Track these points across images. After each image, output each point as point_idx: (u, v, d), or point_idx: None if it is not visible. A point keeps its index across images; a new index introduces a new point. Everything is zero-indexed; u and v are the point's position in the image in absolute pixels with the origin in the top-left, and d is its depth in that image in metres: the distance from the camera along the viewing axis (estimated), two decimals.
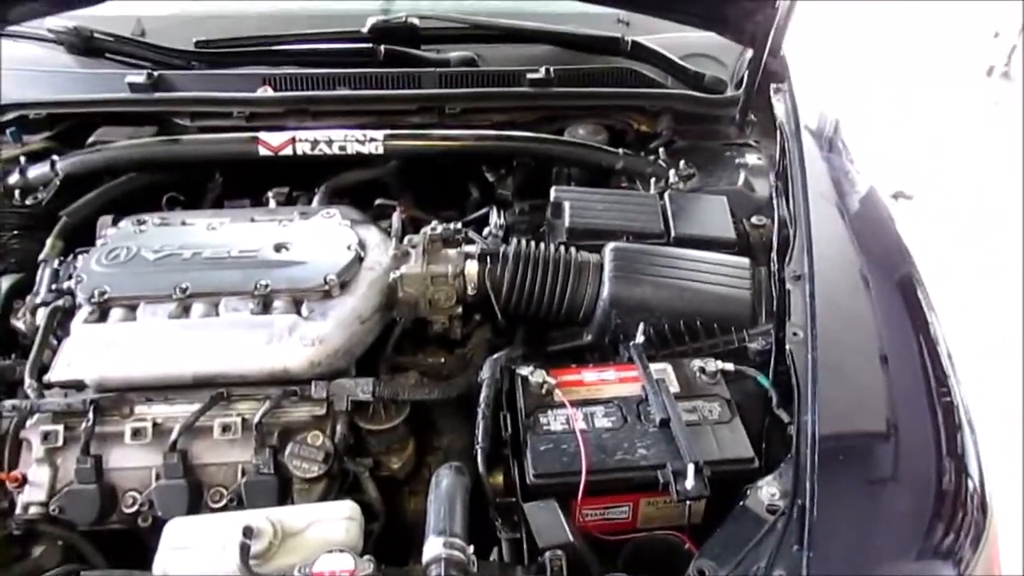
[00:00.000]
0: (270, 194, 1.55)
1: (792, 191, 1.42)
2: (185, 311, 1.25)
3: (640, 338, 1.28)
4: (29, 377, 1.20)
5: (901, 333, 1.35)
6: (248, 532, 0.97)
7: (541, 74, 1.70)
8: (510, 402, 1.22)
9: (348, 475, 1.23)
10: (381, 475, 1.27)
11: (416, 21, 1.79)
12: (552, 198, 1.49)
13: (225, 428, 1.17)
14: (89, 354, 1.20)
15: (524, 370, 1.23)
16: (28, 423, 1.18)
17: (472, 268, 1.33)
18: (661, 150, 1.66)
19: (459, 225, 1.40)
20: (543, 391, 1.21)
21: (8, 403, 1.17)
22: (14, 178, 1.56)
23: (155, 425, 1.17)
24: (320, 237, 1.36)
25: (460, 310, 1.36)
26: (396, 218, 1.44)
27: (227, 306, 1.25)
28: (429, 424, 1.31)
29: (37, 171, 1.56)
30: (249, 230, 1.39)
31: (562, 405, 1.19)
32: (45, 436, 1.16)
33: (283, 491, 1.17)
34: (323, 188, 1.56)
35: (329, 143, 1.53)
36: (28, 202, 1.53)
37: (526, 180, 1.65)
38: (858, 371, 1.25)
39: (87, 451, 1.15)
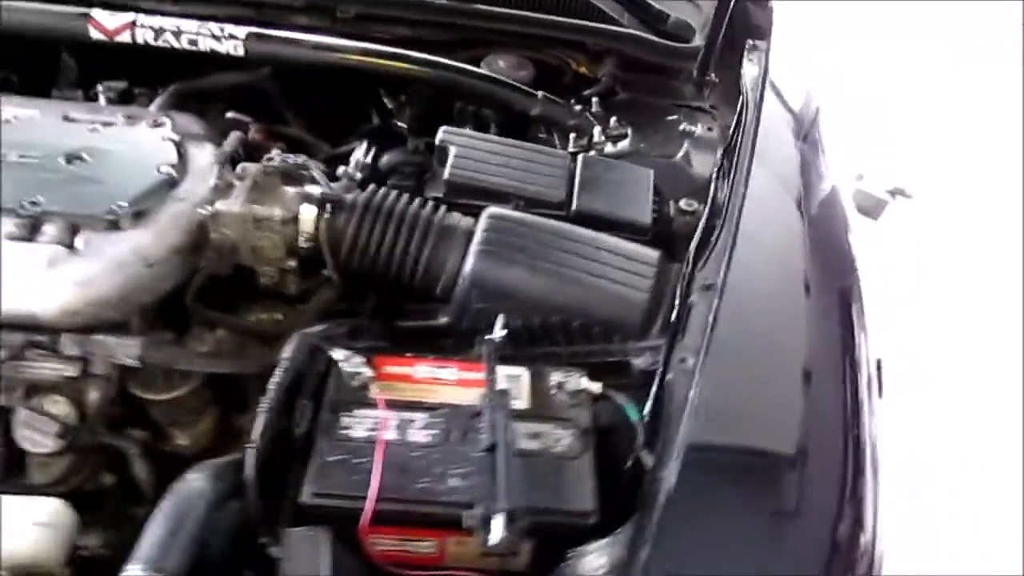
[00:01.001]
0: (100, 87, 1.27)
1: (734, 176, 1.14)
2: None
3: (500, 332, 1.02)
4: None
5: (823, 358, 1.09)
6: None
7: None
8: (319, 391, 0.98)
9: (112, 448, 1.00)
10: (165, 450, 1.05)
11: None
12: (438, 140, 1.21)
13: None
14: None
15: (338, 353, 0.98)
16: None
17: (308, 214, 1.07)
18: (595, 100, 1.36)
19: (301, 158, 1.12)
20: (356, 383, 0.97)
21: None
22: None
23: None
24: (129, 151, 1.10)
25: (293, 263, 1.10)
26: (231, 139, 1.16)
27: None
28: (238, 397, 1.08)
29: None
30: (53, 129, 1.12)
31: (374, 405, 0.95)
32: None
33: (14, 463, 0.94)
34: (170, 90, 1.28)
35: (177, 34, 1.25)
36: None
37: (427, 113, 1.37)
38: (759, 412, 1.00)
39: None
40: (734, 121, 1.29)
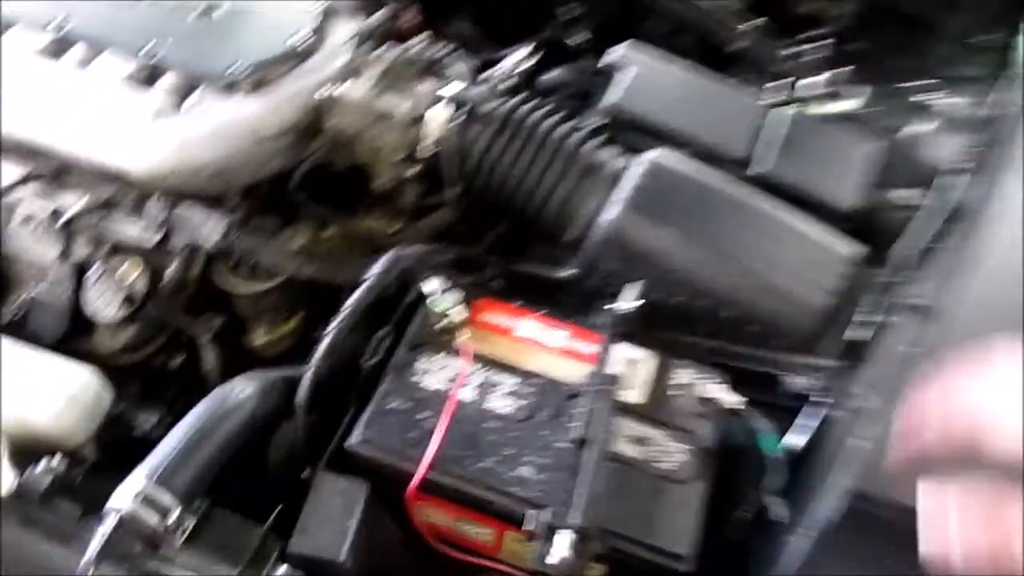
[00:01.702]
0: None
1: (994, 174, 0.85)
2: (57, 52, 0.93)
3: (628, 304, 0.83)
4: None
5: None
6: None
7: None
8: (402, 323, 0.84)
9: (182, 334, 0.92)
10: (243, 346, 0.96)
11: None
12: (612, 57, 1.00)
13: (28, 218, 0.87)
14: None
15: (432, 284, 0.82)
16: None
17: (437, 116, 0.91)
18: (822, 45, 1.08)
19: (448, 50, 0.96)
20: (443, 324, 0.81)
21: None
22: None
23: None
24: (270, 14, 0.98)
25: (413, 170, 0.95)
26: (377, 16, 1.01)
27: (105, 63, 0.92)
28: (331, 305, 0.96)
29: None
30: None
31: (458, 354, 0.80)
32: None
33: (81, 323, 0.88)
34: None
35: None
36: None
37: (607, 30, 1.15)
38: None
39: None
40: (1001, 100, 0.98)
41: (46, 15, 0.94)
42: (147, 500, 0.63)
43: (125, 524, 0.61)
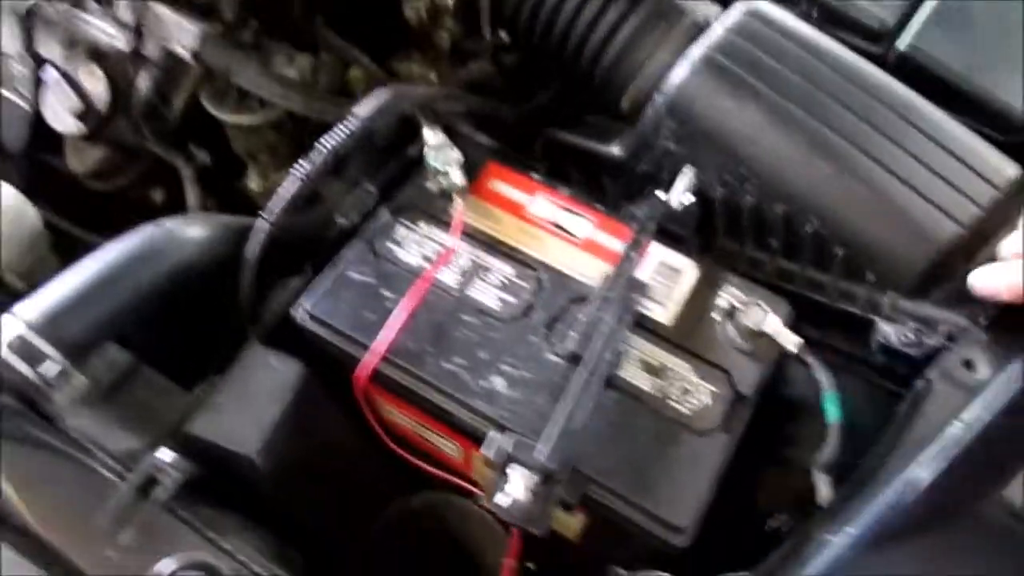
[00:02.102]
0: None
1: None
2: None
3: (680, 195, 0.63)
4: None
5: None
6: None
7: None
8: (393, 181, 0.67)
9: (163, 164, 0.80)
10: (236, 190, 0.83)
11: None
12: None
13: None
14: None
15: (433, 137, 0.65)
16: None
17: None
18: None
19: None
20: (438, 187, 0.64)
21: None
22: None
23: None
24: None
25: (449, 3, 0.77)
26: None
27: None
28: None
29: None
30: None
31: (446, 227, 0.63)
32: None
33: (46, 133, 0.77)
34: None
35: None
36: None
37: None
38: None
39: None
40: None
41: None
42: (21, 346, 0.51)
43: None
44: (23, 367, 0.51)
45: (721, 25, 0.65)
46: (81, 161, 0.78)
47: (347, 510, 0.65)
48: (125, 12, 0.71)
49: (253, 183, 0.83)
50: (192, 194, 0.80)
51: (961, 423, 0.48)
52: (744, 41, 0.64)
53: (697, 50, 0.64)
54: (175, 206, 0.83)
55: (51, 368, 0.52)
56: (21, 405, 0.52)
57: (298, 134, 0.80)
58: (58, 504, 0.51)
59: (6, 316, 0.52)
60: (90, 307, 0.55)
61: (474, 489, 0.63)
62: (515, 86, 0.82)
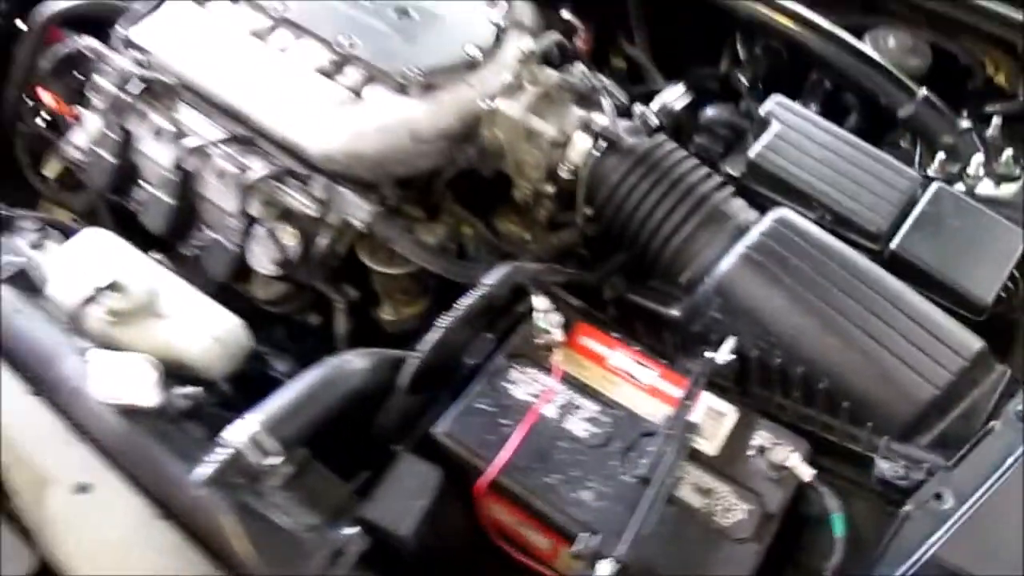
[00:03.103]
0: None
1: None
2: (269, 32, 1.07)
3: (724, 356, 0.84)
4: (119, 26, 1.13)
5: None
6: (114, 287, 0.84)
7: None
8: (507, 333, 0.90)
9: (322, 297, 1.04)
10: (372, 317, 1.07)
11: None
12: (764, 108, 1.00)
13: (222, 174, 1.01)
14: (168, 30, 1.09)
15: (540, 302, 0.88)
16: (98, 68, 1.13)
17: (580, 143, 0.96)
18: (997, 120, 1.02)
19: (606, 84, 1.00)
20: (542, 341, 0.87)
21: (87, 41, 1.13)
22: None
23: (180, 133, 1.05)
24: (450, 23, 1.06)
25: (550, 189, 1.01)
26: (546, 38, 1.06)
27: (304, 48, 1.04)
28: (451, 298, 1.05)
29: None
30: None
31: (548, 372, 0.85)
32: (102, 90, 1.10)
33: (242, 271, 1.02)
34: None
35: None
36: None
37: (775, 75, 1.15)
38: None
39: (122, 124, 1.08)
40: None
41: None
42: (255, 442, 0.73)
43: (235, 458, 0.72)
44: (255, 456, 0.73)
45: (758, 229, 0.88)
46: (265, 291, 1.02)
47: None
48: (318, 189, 0.97)
49: (386, 314, 1.06)
50: (341, 321, 1.03)
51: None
52: (774, 243, 0.87)
53: (740, 247, 0.87)
54: (326, 327, 1.06)
55: (272, 459, 0.74)
56: (248, 483, 0.74)
57: (427, 281, 1.04)
58: (271, 556, 0.71)
59: (245, 418, 0.74)
60: (298, 417, 0.77)
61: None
62: (594, 252, 1.05)
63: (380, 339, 1.03)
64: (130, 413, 0.75)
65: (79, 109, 1.14)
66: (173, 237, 1.06)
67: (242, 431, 0.74)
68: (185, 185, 1.04)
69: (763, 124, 0.99)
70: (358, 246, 1.01)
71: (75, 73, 1.16)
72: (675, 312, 0.93)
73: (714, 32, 1.26)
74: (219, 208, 1.04)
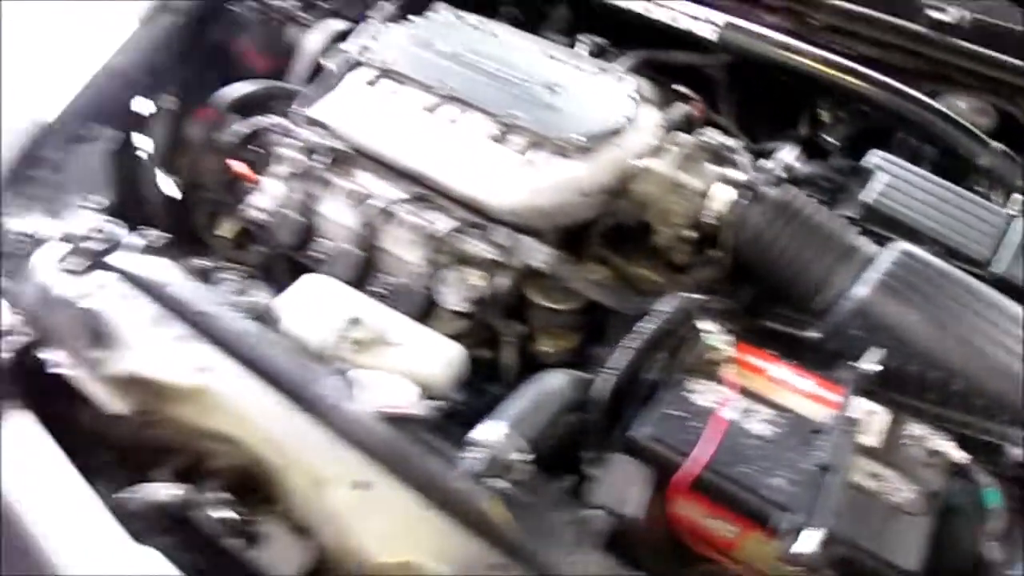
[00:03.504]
0: (582, 38, 1.45)
1: None
2: (436, 106, 1.25)
3: (870, 365, 1.00)
4: (297, 104, 1.32)
5: None
6: (355, 318, 0.99)
7: (950, 16, 1.31)
8: (674, 349, 1.05)
9: (493, 331, 1.19)
10: (531, 350, 1.21)
11: None
12: (868, 161, 1.19)
13: (409, 227, 1.18)
14: (347, 108, 1.27)
15: (706, 325, 1.04)
16: (283, 141, 1.30)
17: (721, 193, 1.13)
18: None
19: (734, 143, 1.18)
20: (712, 357, 1.02)
21: (273, 120, 1.30)
22: None
23: (363, 194, 1.22)
24: (595, 96, 1.25)
25: (691, 234, 1.18)
26: (678, 110, 1.26)
27: (472, 120, 1.23)
28: (601, 331, 1.20)
29: None
30: (539, 63, 1.32)
31: (721, 383, 1.00)
32: (286, 159, 1.27)
33: (428, 310, 1.17)
34: (637, 54, 1.42)
35: (662, 7, 1.37)
36: None
37: (862, 134, 1.34)
38: None
39: (307, 188, 1.25)
40: None
41: (433, 80, 1.26)
42: (508, 440, 0.88)
43: (494, 453, 0.86)
44: (507, 451, 0.87)
45: (886, 259, 1.05)
46: (447, 328, 1.16)
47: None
48: (501, 237, 1.13)
49: (545, 347, 1.20)
50: (510, 353, 1.18)
51: None
52: (905, 269, 1.03)
53: (875, 274, 1.03)
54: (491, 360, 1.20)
55: (520, 455, 0.87)
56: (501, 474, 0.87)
57: (579, 316, 1.19)
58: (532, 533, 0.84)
59: (494, 421, 0.88)
60: (534, 420, 0.92)
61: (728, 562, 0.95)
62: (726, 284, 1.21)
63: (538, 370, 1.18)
64: (396, 420, 0.89)
65: (261, 176, 1.31)
66: (356, 284, 1.21)
67: (494, 431, 0.88)
68: (370, 239, 1.20)
69: (868, 173, 1.17)
70: (528, 285, 1.17)
71: (253, 146, 1.34)
72: (814, 334, 1.09)
73: (795, 100, 1.46)
74: (401, 257, 1.20)
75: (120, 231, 1.14)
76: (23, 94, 1.29)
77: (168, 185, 1.39)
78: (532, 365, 1.19)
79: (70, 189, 1.24)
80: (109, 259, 1.10)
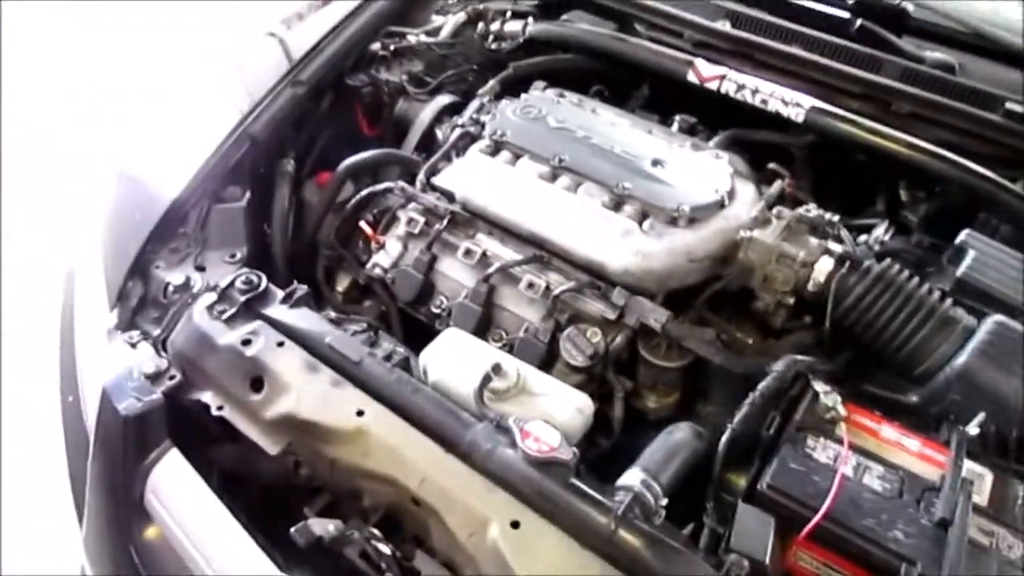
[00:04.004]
0: (676, 117, 1.57)
1: None
2: (553, 177, 1.36)
3: (974, 429, 1.07)
4: (423, 174, 1.43)
5: None
6: (496, 369, 1.07)
7: None
8: (788, 409, 1.13)
9: (605, 384, 1.26)
10: (635, 405, 1.29)
11: (910, 7, 1.61)
12: (959, 240, 1.28)
13: (530, 285, 1.27)
14: (469, 176, 1.38)
15: (820, 386, 1.11)
16: (408, 207, 1.41)
17: (825, 265, 1.22)
18: None
19: (836, 219, 1.28)
20: (827, 416, 1.09)
21: (401, 185, 1.41)
22: (495, 26, 1.80)
23: (483, 255, 1.32)
24: (696, 171, 1.36)
25: (791, 300, 1.26)
26: (777, 185, 1.37)
27: (587, 190, 1.33)
28: (704, 388, 1.28)
29: (512, 26, 1.77)
30: (640, 138, 1.44)
31: (839, 441, 1.07)
32: (409, 221, 1.38)
33: (547, 363, 1.25)
34: (728, 133, 1.54)
35: (754, 92, 1.49)
36: (493, 47, 1.76)
37: (940, 213, 1.44)
38: None
39: (429, 247, 1.35)
40: None
41: (547, 152, 1.37)
42: (647, 486, 0.95)
43: (637, 498, 0.93)
44: (648, 497, 0.94)
45: (986, 330, 1.13)
46: (565, 380, 1.22)
47: None
48: (619, 297, 1.22)
49: (651, 402, 1.28)
50: (619, 407, 1.25)
51: None
52: (1001, 338, 1.11)
53: (976, 344, 1.11)
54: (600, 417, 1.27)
55: (658, 500, 0.95)
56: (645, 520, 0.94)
57: (683, 374, 1.27)
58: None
59: (633, 469, 0.96)
60: (669, 468, 0.99)
61: None
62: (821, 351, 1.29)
63: (639, 423, 1.26)
64: (546, 465, 0.96)
65: (383, 236, 1.41)
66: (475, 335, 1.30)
67: (636, 478, 0.95)
68: (489, 296, 1.30)
69: (959, 250, 1.26)
70: (641, 343, 1.25)
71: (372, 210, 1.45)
72: (913, 398, 1.16)
73: (872, 180, 1.56)
74: (519, 315, 1.29)
75: (263, 281, 1.23)
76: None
77: (291, 242, 1.49)
78: (637, 419, 1.28)
79: (212, 244, 1.35)
80: (257, 308, 1.19)
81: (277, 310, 1.19)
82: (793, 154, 1.58)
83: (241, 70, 1.61)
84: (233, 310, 1.18)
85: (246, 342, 1.12)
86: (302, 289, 1.22)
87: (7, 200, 2.98)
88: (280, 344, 1.12)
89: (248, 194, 1.41)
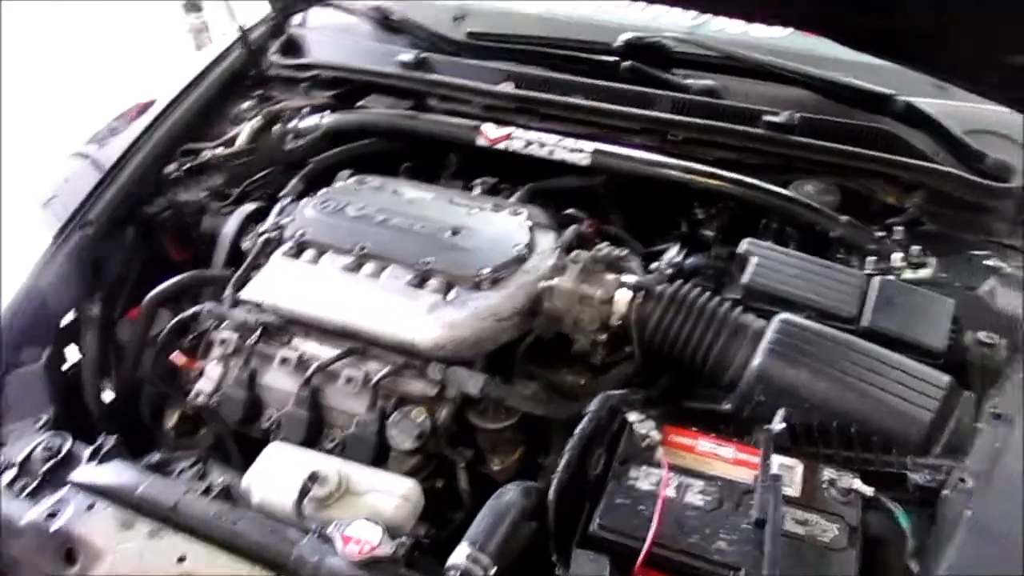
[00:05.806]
0: (477, 181, 1.62)
1: None
2: (358, 267, 1.38)
3: (778, 425, 1.13)
4: (230, 290, 1.42)
5: None
6: (313, 477, 1.06)
7: (781, 118, 1.55)
8: (611, 444, 1.16)
9: (445, 459, 1.27)
10: (481, 471, 1.30)
11: (669, 43, 1.74)
12: (741, 249, 1.37)
13: (349, 380, 1.27)
14: (274, 283, 1.38)
15: (633, 416, 1.15)
16: (220, 327, 1.39)
17: (622, 297, 1.28)
18: (899, 228, 1.43)
19: (624, 252, 1.35)
20: (644, 444, 1.13)
21: (209, 306, 1.39)
22: (292, 123, 1.82)
23: (300, 359, 1.31)
24: (495, 231, 1.41)
25: (604, 337, 1.31)
26: (570, 231, 1.44)
27: (391, 272, 1.35)
28: (543, 440, 1.30)
29: (308, 121, 1.80)
30: (441, 209, 1.48)
31: (658, 465, 1.11)
32: (221, 342, 1.36)
33: (381, 453, 1.24)
34: (527, 187, 1.60)
35: (541, 145, 1.57)
36: (291, 146, 1.77)
37: (732, 224, 1.54)
38: None
39: (247, 363, 1.33)
40: None
41: (348, 243, 1.39)
42: (474, 560, 0.95)
43: (465, 574, 0.93)
44: (477, 571, 0.94)
45: (772, 330, 1.20)
46: (401, 467, 1.23)
47: None
48: (435, 372, 1.24)
49: (496, 465, 1.29)
50: (463, 479, 1.26)
51: None
52: (788, 336, 1.19)
53: (765, 345, 1.18)
54: (447, 492, 1.28)
55: (487, 570, 0.95)
56: None
57: (520, 430, 1.29)
58: None
59: (461, 545, 0.96)
60: (496, 535, 1.00)
61: None
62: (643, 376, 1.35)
63: (492, 488, 1.26)
64: (371, 565, 0.95)
65: (201, 362, 1.38)
66: (310, 444, 1.28)
67: (462, 554, 0.96)
68: (314, 399, 1.29)
69: (743, 259, 1.35)
70: (468, 411, 1.26)
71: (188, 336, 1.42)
72: (727, 406, 1.22)
73: (671, 205, 1.66)
74: (346, 411, 1.28)
75: (66, 443, 1.18)
76: None
77: (105, 389, 1.44)
78: (487, 484, 1.28)
79: (13, 415, 1.28)
80: (61, 474, 1.14)
81: (84, 471, 1.14)
82: (598, 195, 1.67)
83: (51, 204, 1.56)
84: (36, 483, 1.12)
85: (52, 515, 1.07)
86: (110, 441, 1.17)
87: None
88: (90, 507, 1.07)
89: (47, 351, 1.36)
